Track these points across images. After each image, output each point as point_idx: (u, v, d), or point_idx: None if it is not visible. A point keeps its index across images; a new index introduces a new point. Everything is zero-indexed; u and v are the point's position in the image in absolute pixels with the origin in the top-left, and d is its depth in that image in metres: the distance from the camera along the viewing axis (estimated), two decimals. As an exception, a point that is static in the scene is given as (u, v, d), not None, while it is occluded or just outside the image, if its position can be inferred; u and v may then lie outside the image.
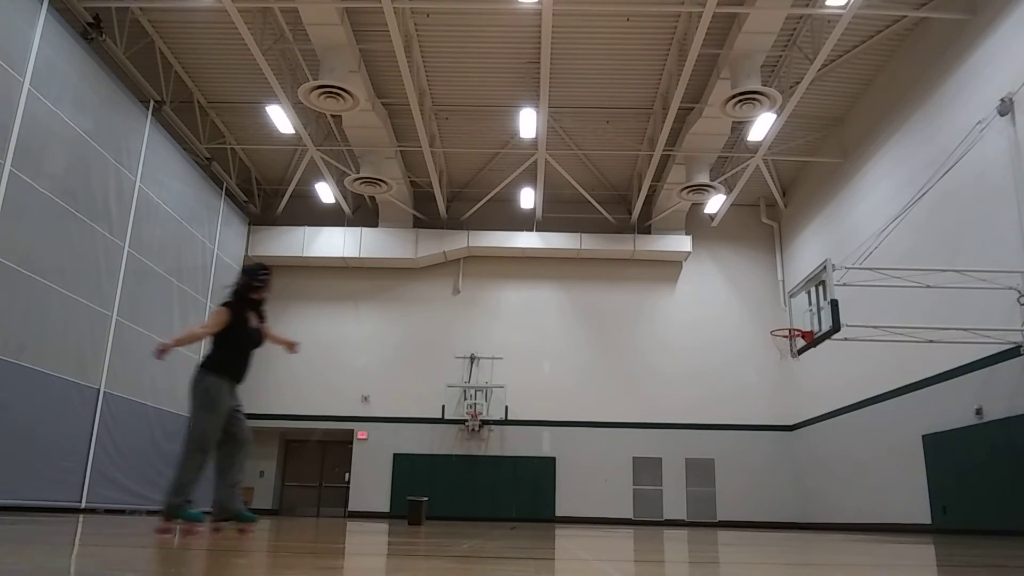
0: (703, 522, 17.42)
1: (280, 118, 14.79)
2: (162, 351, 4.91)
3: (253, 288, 5.30)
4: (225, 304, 5.23)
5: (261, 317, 5.40)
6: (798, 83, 13.06)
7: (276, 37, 12.96)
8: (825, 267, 10.69)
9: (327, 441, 19.14)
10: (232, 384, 5.14)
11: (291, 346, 5.63)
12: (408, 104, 14.02)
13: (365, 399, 18.53)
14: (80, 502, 11.36)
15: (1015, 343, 10.14)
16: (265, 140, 17.13)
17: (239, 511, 5.09)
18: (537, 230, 19.05)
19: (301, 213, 19.32)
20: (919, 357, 12.05)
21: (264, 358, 20.13)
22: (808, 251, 17.36)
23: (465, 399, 18.11)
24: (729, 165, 16.94)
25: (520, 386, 18.16)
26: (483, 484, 17.77)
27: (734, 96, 12.57)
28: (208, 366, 5.07)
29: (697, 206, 18.43)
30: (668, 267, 19.32)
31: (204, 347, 5.25)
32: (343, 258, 18.85)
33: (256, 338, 5.30)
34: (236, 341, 5.18)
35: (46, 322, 10.57)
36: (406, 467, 17.93)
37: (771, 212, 19.49)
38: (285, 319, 19.15)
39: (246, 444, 5.25)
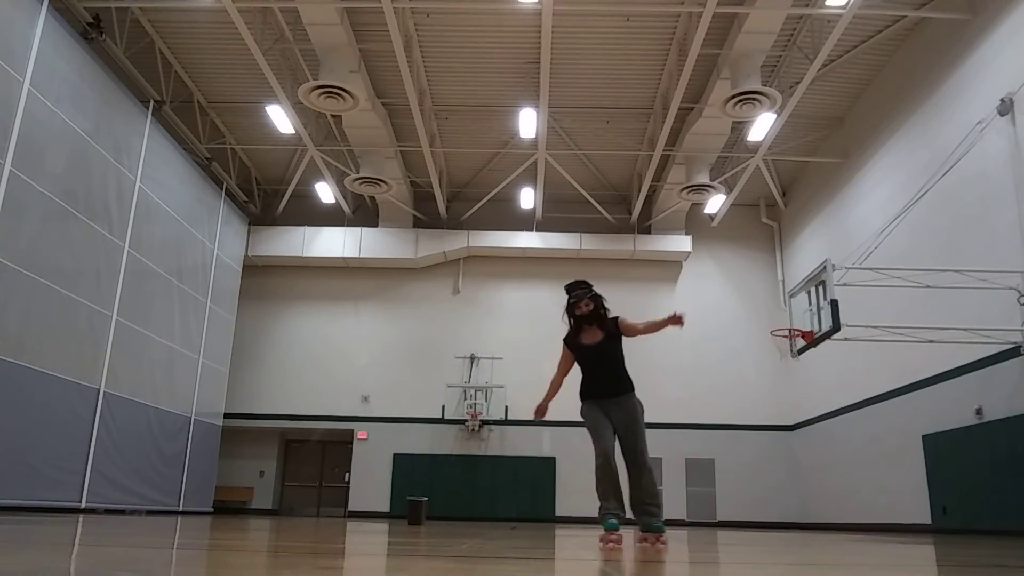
0: (703, 522, 17.41)
1: (280, 118, 14.79)
2: (540, 413, 5.55)
3: (570, 307, 5.36)
4: (564, 339, 5.44)
5: (603, 325, 5.31)
6: (798, 83, 13.06)
7: (276, 37, 12.96)
8: (825, 267, 10.69)
9: (327, 441, 19.14)
10: (598, 402, 5.25)
11: (674, 321, 5.17)
12: (408, 104, 14.01)
13: (365, 399, 18.54)
14: (80, 502, 11.36)
15: (1015, 343, 10.14)
16: (265, 140, 17.13)
17: (648, 524, 5.02)
18: (537, 230, 19.05)
19: (301, 213, 19.32)
20: (919, 357, 12.05)
21: (264, 358, 20.14)
22: (808, 251, 17.36)
23: (465, 399, 18.11)
24: (729, 165, 16.94)
25: (520, 386, 18.14)
26: (483, 484, 17.77)
27: (734, 96, 12.56)
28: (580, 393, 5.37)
29: (697, 206, 18.43)
30: (668, 267, 19.32)
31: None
32: (343, 258, 18.85)
33: (596, 352, 5.28)
34: (581, 365, 5.39)
35: (46, 322, 10.57)
36: (406, 467, 17.93)
37: (771, 212, 19.49)
38: (285, 319, 19.17)
39: (636, 462, 5.13)
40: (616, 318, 5.33)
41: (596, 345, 5.27)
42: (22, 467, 10.07)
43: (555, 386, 5.49)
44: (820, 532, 12.21)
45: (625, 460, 5.14)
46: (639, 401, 5.27)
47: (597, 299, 5.34)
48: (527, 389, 18.00)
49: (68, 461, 11.14)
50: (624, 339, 5.35)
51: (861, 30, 13.06)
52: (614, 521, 4.90)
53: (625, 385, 5.25)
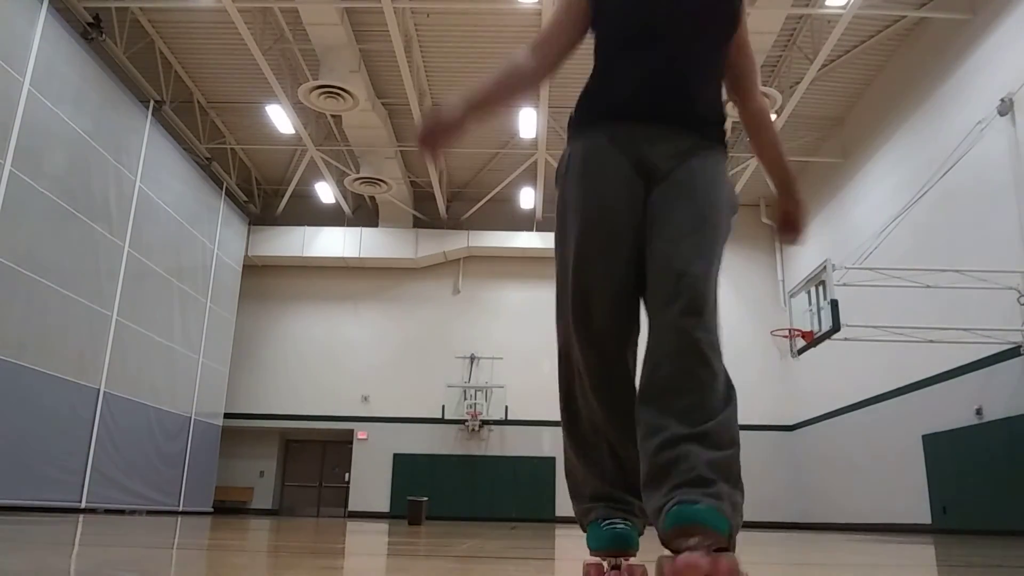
0: (703, 522, 17.40)
1: (280, 118, 14.81)
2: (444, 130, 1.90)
3: None
4: None
5: None
6: (798, 83, 13.06)
7: (276, 37, 12.97)
8: (825, 267, 10.70)
9: (327, 441, 19.15)
10: (634, 131, 1.89)
11: (790, 223, 2.22)
12: (408, 104, 14.02)
13: (365, 399, 18.54)
14: (80, 502, 11.36)
15: (1015, 343, 10.14)
16: (265, 140, 17.14)
17: (682, 506, 1.52)
18: (537, 230, 19.05)
19: (301, 213, 19.33)
20: (919, 357, 12.05)
21: (264, 358, 20.18)
22: (808, 251, 17.36)
23: (465, 399, 18.13)
24: (729, 165, 16.96)
25: (520, 386, 18.17)
26: (483, 484, 17.77)
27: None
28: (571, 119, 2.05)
29: (697, 206, 18.44)
30: (668, 267, 19.30)
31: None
32: (343, 258, 18.86)
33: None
34: (617, 26, 1.98)
35: (46, 322, 10.57)
36: (406, 467, 17.94)
37: (771, 212, 19.46)
38: (285, 319, 19.17)
39: (683, 310, 1.67)
40: None
41: None
42: (22, 467, 10.07)
43: (505, 83, 2.01)
44: (820, 532, 12.21)
45: (649, 304, 1.78)
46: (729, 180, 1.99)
47: None
48: (527, 389, 18.20)
49: (68, 461, 11.14)
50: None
51: (861, 30, 13.06)
52: (624, 527, 1.90)
53: (713, 121, 1.96)
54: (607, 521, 1.88)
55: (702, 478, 1.56)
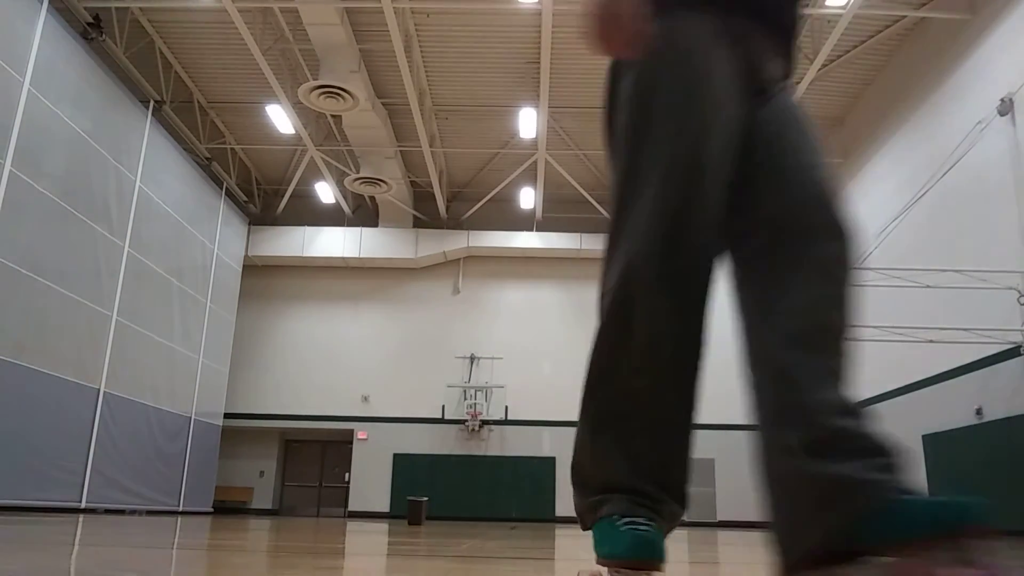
0: (703, 522, 17.42)
1: (280, 118, 14.81)
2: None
3: None
4: None
5: None
6: (798, 83, 13.07)
7: (276, 37, 12.97)
8: (825, 267, 10.69)
9: (327, 441, 19.15)
10: (745, 37, 1.46)
11: None
12: (408, 104, 14.02)
13: (365, 399, 18.54)
14: (80, 502, 11.36)
15: (1015, 343, 10.14)
16: (265, 140, 17.13)
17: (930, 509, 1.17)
18: (537, 230, 19.05)
19: (301, 213, 19.33)
20: (919, 357, 12.05)
21: (264, 358, 20.14)
22: (808, 251, 17.35)
23: (465, 399, 18.13)
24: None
25: (520, 386, 18.17)
26: (483, 484, 17.77)
27: (734, 96, 12.57)
28: None
29: (697, 206, 18.43)
30: (668, 267, 19.31)
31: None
32: (343, 258, 18.86)
33: None
34: None
35: (46, 322, 10.57)
36: (406, 467, 17.94)
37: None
38: (285, 319, 19.17)
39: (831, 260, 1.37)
40: None
41: None
42: (22, 467, 10.07)
43: None
44: (820, 532, 12.20)
45: (783, 234, 1.40)
46: None
47: None
48: (527, 389, 18.20)
49: (68, 461, 11.13)
50: None
51: (861, 30, 13.06)
52: (649, 529, 1.40)
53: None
54: (627, 520, 1.39)
55: (900, 467, 1.22)
